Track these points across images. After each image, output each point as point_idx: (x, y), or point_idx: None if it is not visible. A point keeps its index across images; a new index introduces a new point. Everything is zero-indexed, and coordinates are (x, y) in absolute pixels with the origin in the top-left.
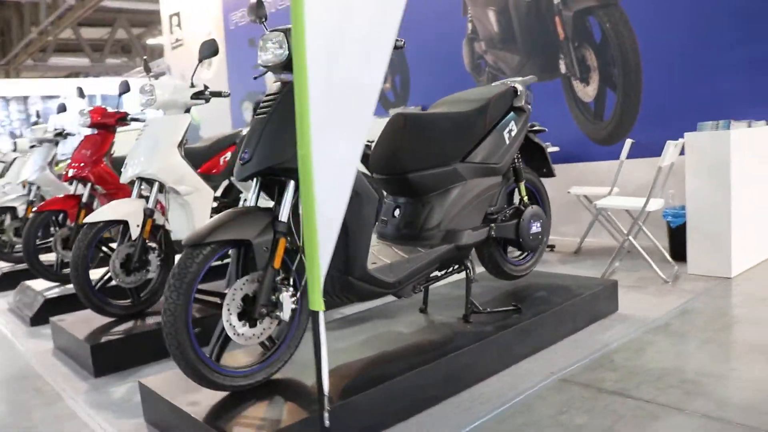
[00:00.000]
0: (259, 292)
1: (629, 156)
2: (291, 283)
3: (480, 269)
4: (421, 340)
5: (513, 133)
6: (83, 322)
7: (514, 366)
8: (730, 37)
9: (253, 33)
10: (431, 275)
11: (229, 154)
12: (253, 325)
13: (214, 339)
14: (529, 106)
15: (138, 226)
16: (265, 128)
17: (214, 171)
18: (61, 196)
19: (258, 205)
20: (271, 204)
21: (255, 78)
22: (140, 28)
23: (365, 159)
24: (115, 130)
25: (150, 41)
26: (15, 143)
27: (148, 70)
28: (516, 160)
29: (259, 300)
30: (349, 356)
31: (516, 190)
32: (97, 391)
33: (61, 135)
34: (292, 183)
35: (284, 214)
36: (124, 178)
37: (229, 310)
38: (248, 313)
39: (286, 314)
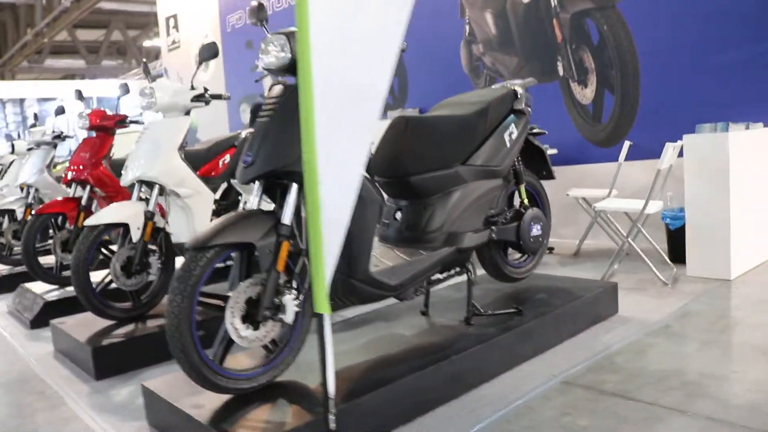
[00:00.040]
0: (263, 295)
1: (627, 158)
2: (294, 286)
3: (480, 271)
4: (423, 342)
5: (513, 136)
6: (84, 324)
7: (516, 368)
8: (726, 39)
9: (250, 35)
10: (433, 278)
11: (227, 157)
12: (256, 328)
13: (217, 342)
14: (529, 109)
15: (139, 228)
16: (267, 131)
17: (213, 173)
18: (60, 198)
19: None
20: (271, 207)
21: (256, 81)
22: (136, 30)
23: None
24: (114, 132)
25: (146, 43)
26: (12, 146)
27: (147, 72)
28: (516, 163)
29: (263, 303)
30: (351, 359)
31: (516, 192)
32: (99, 393)
33: (60, 137)
34: (294, 186)
35: (287, 217)
36: (125, 181)
37: (232, 313)
38: (251, 316)
39: (289, 317)
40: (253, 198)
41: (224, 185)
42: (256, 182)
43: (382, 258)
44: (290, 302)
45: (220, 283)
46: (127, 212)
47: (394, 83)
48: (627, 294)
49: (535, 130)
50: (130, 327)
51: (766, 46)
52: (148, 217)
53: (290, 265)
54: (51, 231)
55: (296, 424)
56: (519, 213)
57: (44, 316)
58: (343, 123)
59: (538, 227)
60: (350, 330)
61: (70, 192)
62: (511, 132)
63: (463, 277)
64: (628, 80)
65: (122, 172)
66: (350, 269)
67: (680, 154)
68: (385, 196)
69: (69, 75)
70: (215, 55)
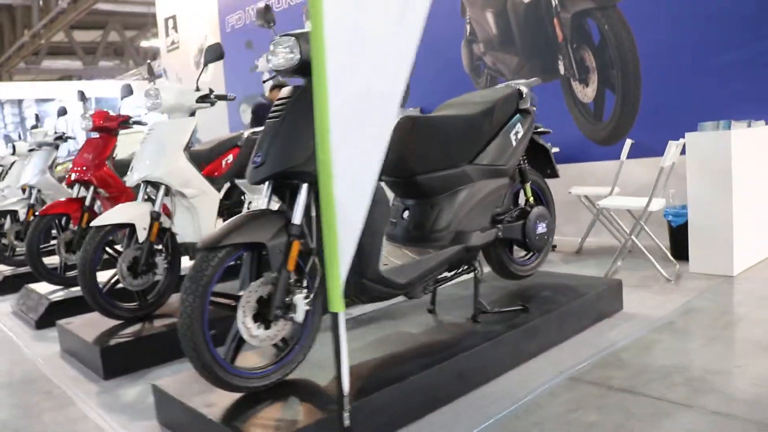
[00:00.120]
0: (274, 294)
1: (629, 156)
2: (304, 285)
3: (486, 269)
4: (431, 340)
5: (519, 135)
6: (91, 324)
7: (523, 365)
8: (727, 37)
9: (249, 36)
10: (441, 276)
11: (230, 157)
12: (267, 327)
13: (228, 341)
14: (535, 108)
15: (145, 229)
16: (277, 132)
17: (216, 174)
18: (63, 199)
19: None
20: (274, 206)
21: (264, 81)
22: (133, 31)
23: None
24: (117, 133)
25: (143, 44)
26: (14, 147)
27: (152, 73)
28: (522, 162)
29: (274, 302)
30: (360, 357)
31: (521, 191)
32: (108, 393)
33: (61, 138)
34: (305, 186)
35: (297, 217)
36: (131, 182)
37: (244, 312)
38: (263, 315)
39: (299, 316)
40: (262, 198)
41: (227, 185)
42: (266, 182)
43: (390, 257)
44: (301, 301)
45: (226, 282)
46: (134, 213)
47: None
48: (631, 291)
49: (540, 129)
50: (137, 327)
51: (766, 45)
52: (154, 217)
53: (300, 264)
54: (54, 232)
55: (308, 421)
56: (525, 211)
57: (49, 316)
58: (358, 123)
59: (544, 225)
60: (358, 328)
61: (73, 193)
62: (517, 131)
63: (468, 275)
64: (629, 79)
65: (128, 172)
66: (360, 268)
67: (682, 152)
68: (393, 195)
69: (66, 76)
70: (221, 56)
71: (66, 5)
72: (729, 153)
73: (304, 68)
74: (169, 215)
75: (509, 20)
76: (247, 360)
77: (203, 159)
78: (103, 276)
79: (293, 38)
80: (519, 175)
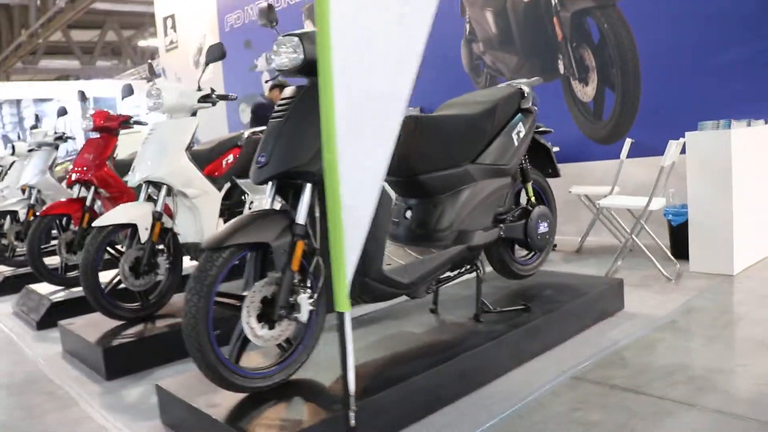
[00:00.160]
0: (278, 294)
1: (628, 155)
2: (308, 285)
3: (487, 269)
4: (434, 340)
5: (521, 135)
6: (93, 325)
7: (525, 364)
8: (727, 36)
9: (248, 35)
10: (444, 276)
11: (231, 157)
12: (271, 327)
13: (233, 341)
14: (536, 108)
15: (147, 229)
16: (281, 132)
17: (216, 174)
18: (64, 199)
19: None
20: (277, 207)
21: (266, 82)
22: (130, 31)
23: None
24: (118, 133)
25: (141, 43)
26: (13, 147)
27: (153, 73)
28: (523, 161)
29: (278, 302)
30: (363, 357)
31: (523, 190)
32: (111, 394)
33: (62, 139)
34: (308, 186)
35: (301, 217)
36: (132, 182)
37: (248, 312)
38: (267, 315)
39: (304, 316)
40: (266, 198)
41: (227, 185)
42: (270, 182)
43: (393, 256)
44: (305, 301)
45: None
46: (136, 213)
47: None
48: (632, 290)
49: (541, 129)
50: (139, 327)
51: (766, 45)
52: (156, 217)
53: (304, 264)
54: (55, 232)
55: (313, 421)
56: (526, 211)
57: (50, 317)
58: (364, 123)
59: (545, 225)
60: (360, 328)
61: (73, 193)
62: (519, 131)
63: (469, 275)
64: (629, 78)
65: (130, 173)
66: (364, 268)
67: (682, 151)
68: (395, 194)
69: (63, 76)
70: (223, 56)
71: (63, 5)
72: (729, 152)
73: (307, 68)
74: (170, 215)
75: (509, 19)
76: (251, 360)
77: (204, 159)
78: (104, 276)
79: (297, 38)
80: (521, 174)
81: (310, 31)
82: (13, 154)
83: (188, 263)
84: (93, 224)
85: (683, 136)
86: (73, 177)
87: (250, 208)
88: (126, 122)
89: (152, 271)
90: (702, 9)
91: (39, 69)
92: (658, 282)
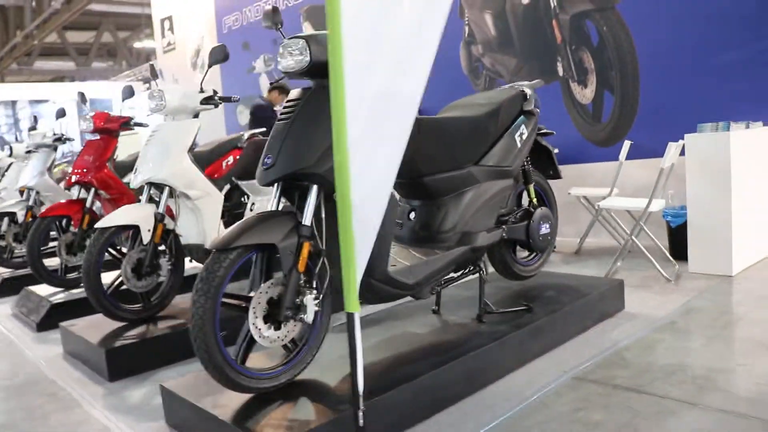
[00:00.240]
0: (284, 295)
1: (627, 157)
2: (313, 285)
3: (489, 269)
4: (437, 340)
5: (524, 137)
6: (94, 326)
7: (528, 365)
8: (725, 39)
9: (246, 37)
10: (448, 277)
11: (231, 158)
12: (277, 327)
13: (239, 341)
14: (538, 110)
15: (149, 230)
16: (287, 133)
17: (216, 175)
18: (64, 201)
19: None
20: (270, 207)
21: (271, 83)
22: (126, 32)
23: None
24: (118, 135)
25: (137, 44)
26: (11, 148)
27: (155, 75)
28: (525, 163)
29: (284, 303)
30: (368, 357)
31: (525, 192)
32: (114, 395)
33: (61, 140)
34: (315, 187)
35: (308, 218)
36: (135, 183)
37: (255, 313)
38: (273, 316)
39: (309, 317)
40: (272, 199)
41: (227, 186)
42: (275, 184)
43: (397, 257)
44: (310, 302)
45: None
46: (138, 214)
47: None
48: (632, 291)
49: (543, 131)
50: (141, 328)
51: (764, 47)
52: (159, 219)
53: (309, 265)
54: (54, 233)
55: (321, 421)
56: (528, 212)
57: (50, 318)
58: (376, 124)
59: (547, 226)
60: (364, 329)
61: (72, 194)
62: (522, 133)
63: (470, 276)
64: (628, 80)
65: (132, 174)
66: (369, 269)
67: (681, 153)
68: (398, 196)
69: (58, 77)
70: (226, 58)
71: (59, 6)
72: (728, 154)
73: (313, 70)
74: (172, 217)
75: (508, 22)
76: (256, 361)
77: (204, 160)
78: (105, 278)
79: (303, 40)
80: (523, 176)
81: (316, 33)
82: (10, 155)
83: (190, 265)
84: (96, 226)
85: (682, 138)
86: (73, 178)
87: (251, 210)
88: (126, 124)
89: (154, 272)
90: (700, 11)
91: (34, 70)
92: (657, 283)
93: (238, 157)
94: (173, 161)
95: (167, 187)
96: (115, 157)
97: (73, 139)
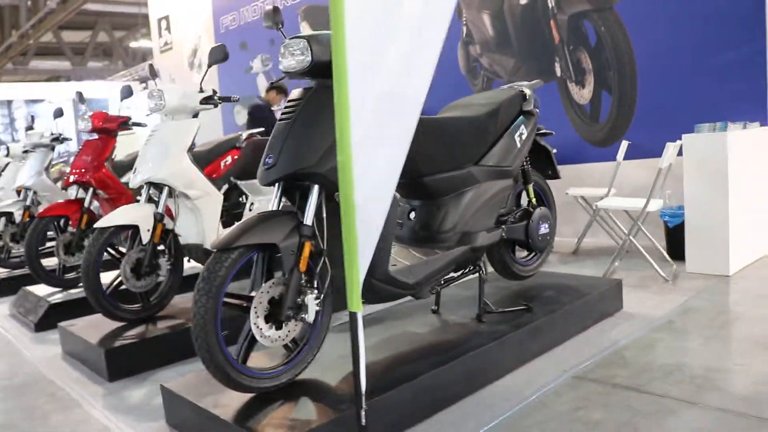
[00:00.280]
0: (285, 295)
1: (625, 157)
2: (314, 285)
3: (488, 269)
4: (437, 340)
5: (523, 137)
6: (93, 326)
7: (527, 364)
8: (722, 39)
9: (244, 37)
10: (448, 276)
11: (229, 158)
12: (279, 327)
13: (240, 341)
14: (538, 110)
15: (148, 230)
16: (288, 133)
17: (214, 175)
18: (62, 201)
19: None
20: (268, 207)
21: (275, 82)
22: (122, 31)
23: None
24: (117, 134)
25: (132, 44)
26: (8, 148)
27: (154, 75)
28: (525, 163)
29: (286, 303)
30: (369, 357)
31: (524, 191)
32: (114, 395)
33: (58, 140)
34: (316, 187)
35: (309, 218)
36: (134, 183)
37: (256, 313)
38: (274, 316)
39: (310, 316)
40: (273, 199)
41: (225, 186)
42: (276, 184)
43: (398, 257)
44: (312, 302)
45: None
46: (137, 214)
47: None
48: (630, 291)
49: (542, 131)
50: (141, 328)
51: (761, 47)
52: (158, 219)
53: (311, 265)
54: (52, 233)
55: (322, 421)
56: (528, 212)
57: (49, 318)
58: (379, 124)
59: (546, 226)
60: (364, 329)
61: (72, 194)
62: (521, 133)
63: (470, 275)
64: (626, 81)
65: (131, 174)
66: (370, 269)
67: (679, 153)
68: (398, 195)
69: (54, 77)
70: (225, 58)
71: (55, 5)
72: (725, 154)
73: (315, 70)
74: (172, 217)
75: (506, 22)
76: (257, 361)
77: (202, 160)
78: (104, 278)
79: (305, 40)
80: (522, 176)
81: (317, 33)
82: (7, 155)
83: (189, 265)
84: (95, 225)
85: (679, 138)
86: (72, 178)
87: (250, 210)
88: (124, 123)
89: (153, 272)
90: (698, 12)
91: (30, 70)
92: (655, 283)
93: (236, 157)
94: (173, 161)
95: (166, 187)
96: (113, 156)
97: (71, 139)
